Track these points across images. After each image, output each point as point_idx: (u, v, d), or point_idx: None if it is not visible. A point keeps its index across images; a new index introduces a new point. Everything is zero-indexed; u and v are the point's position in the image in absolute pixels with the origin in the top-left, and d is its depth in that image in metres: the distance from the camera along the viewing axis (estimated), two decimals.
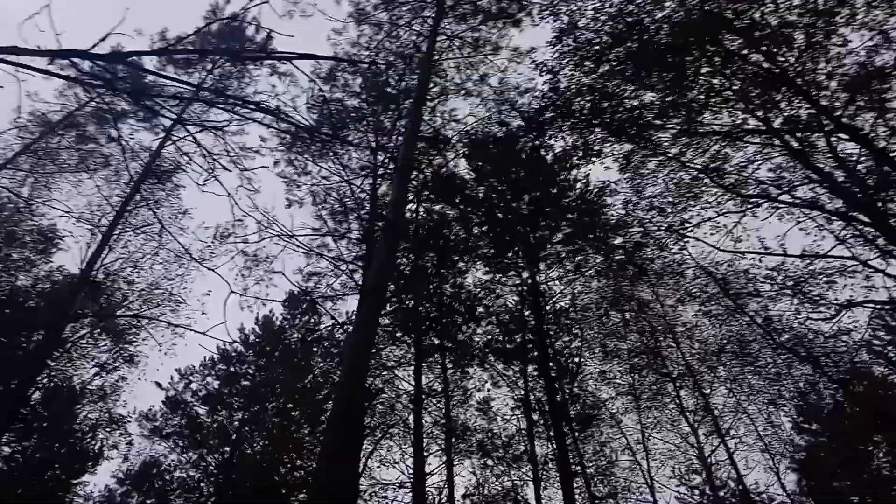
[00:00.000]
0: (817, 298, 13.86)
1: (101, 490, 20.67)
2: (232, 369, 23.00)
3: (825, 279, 13.82)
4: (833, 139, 12.40)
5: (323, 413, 20.64)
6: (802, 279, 14.15)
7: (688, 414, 19.58)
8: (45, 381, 18.98)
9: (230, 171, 7.75)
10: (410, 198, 17.83)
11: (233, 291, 12.14)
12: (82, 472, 19.45)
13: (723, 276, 17.18)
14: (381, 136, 18.02)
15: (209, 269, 8.60)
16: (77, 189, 20.67)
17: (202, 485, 20.30)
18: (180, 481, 20.45)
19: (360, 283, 16.01)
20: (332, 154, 17.77)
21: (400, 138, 16.50)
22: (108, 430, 20.51)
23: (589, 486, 17.80)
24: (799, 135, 13.09)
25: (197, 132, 17.68)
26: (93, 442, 20.06)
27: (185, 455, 20.94)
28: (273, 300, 22.51)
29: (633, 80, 14.25)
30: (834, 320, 13.20)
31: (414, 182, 17.85)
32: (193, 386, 22.48)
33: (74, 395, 19.92)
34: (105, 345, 20.35)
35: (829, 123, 12.25)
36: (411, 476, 14.92)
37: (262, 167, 8.40)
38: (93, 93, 17.27)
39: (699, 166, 14.96)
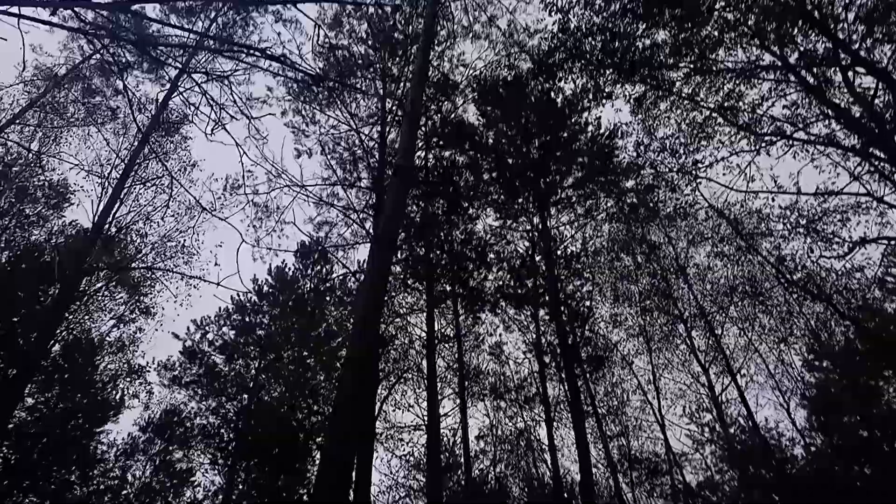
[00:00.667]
0: (830, 236, 13.81)
1: (125, 438, 21.28)
2: (247, 319, 23.29)
3: (839, 217, 13.78)
4: (850, 74, 12.17)
5: (338, 360, 20.98)
6: (816, 217, 14.09)
7: (699, 354, 19.79)
8: (64, 333, 19.31)
9: (238, 119, 7.70)
10: (419, 145, 17.71)
11: (244, 241, 12.23)
12: (105, 421, 19.95)
13: (735, 216, 17.14)
14: (389, 82, 17.81)
15: (221, 219, 8.60)
16: (86, 143, 20.75)
17: (222, 431, 20.82)
18: (201, 428, 20.99)
19: (370, 231, 16.04)
20: (339, 102, 17.59)
21: (408, 85, 16.27)
22: (128, 379, 20.98)
23: (601, 426, 18.15)
24: (815, 70, 12.86)
25: (203, 82, 17.61)
26: (114, 392, 20.54)
27: (204, 402, 21.43)
28: (285, 250, 22.59)
29: (644, 18, 13.94)
30: (847, 258, 13.17)
31: (423, 129, 17.72)
32: (210, 336, 22.83)
33: (93, 346, 20.28)
34: (121, 297, 20.65)
35: (846, 57, 12.01)
36: (426, 419, 15.19)
37: (270, 114, 8.28)
38: (97, 44, 17.15)
39: (712, 106, 14.78)
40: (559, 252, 18.56)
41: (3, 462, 17.51)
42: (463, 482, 19.01)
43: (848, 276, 15.51)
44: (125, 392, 20.72)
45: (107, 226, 17.81)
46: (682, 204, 17.28)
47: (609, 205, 18.87)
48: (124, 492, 20.41)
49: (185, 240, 19.76)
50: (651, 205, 17.69)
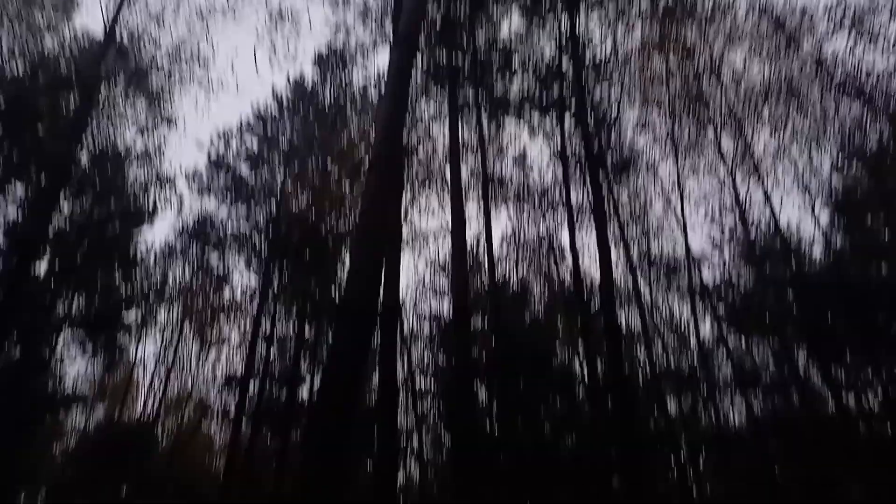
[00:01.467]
0: (877, 33, 13.10)
1: (161, 242, 22.19)
2: (269, 130, 23.22)
3: (889, 10, 12.95)
4: None
5: (361, 169, 21.08)
6: (864, 14, 13.28)
7: (726, 157, 19.44)
8: (89, 141, 19.45)
9: None
10: None
11: (259, 42, 11.80)
12: (139, 226, 20.68)
13: (778, 14, 16.15)
14: None
15: (236, 16, 8.26)
16: None
17: (254, 235, 21.54)
18: (233, 235, 21.72)
19: (389, 35, 15.41)
20: None
21: None
22: (158, 186, 21.42)
23: (623, 231, 18.40)
24: None
25: None
26: (146, 199, 21.07)
27: (234, 208, 21.99)
28: (304, 55, 22.05)
29: None
30: (892, 53, 12.53)
31: None
32: (234, 146, 22.93)
33: (120, 157, 20.51)
34: (141, 107, 20.52)
35: None
36: (450, 224, 15.47)
37: None
38: None
39: None
40: (587, 56, 17.75)
41: (48, 265, 18.44)
42: (486, 283, 19.83)
43: (890, 77, 14.81)
44: (157, 199, 21.27)
45: (119, 30, 17.25)
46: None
47: (642, 2, 17.74)
48: (166, 292, 21.67)
49: (199, 45, 19.19)
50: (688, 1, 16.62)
